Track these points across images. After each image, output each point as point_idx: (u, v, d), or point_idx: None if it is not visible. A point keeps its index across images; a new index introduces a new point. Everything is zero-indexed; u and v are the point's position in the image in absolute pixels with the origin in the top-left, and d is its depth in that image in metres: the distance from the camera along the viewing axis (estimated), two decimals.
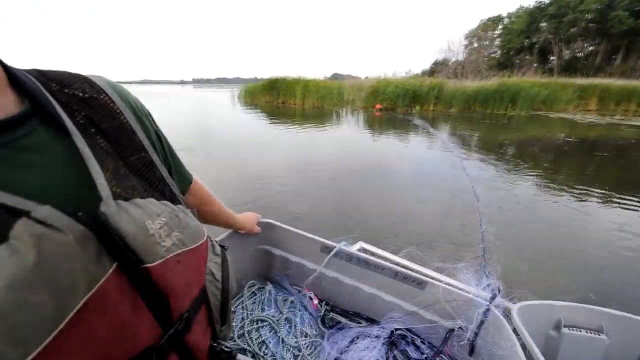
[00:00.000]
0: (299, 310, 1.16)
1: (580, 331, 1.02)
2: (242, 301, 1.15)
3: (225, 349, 0.54)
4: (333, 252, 1.15)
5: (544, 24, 34.47)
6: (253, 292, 1.21)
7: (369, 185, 4.35)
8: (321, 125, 9.90)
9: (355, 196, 3.92)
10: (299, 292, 1.25)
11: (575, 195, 4.02)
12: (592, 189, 4.22)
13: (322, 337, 1.09)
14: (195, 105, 19.22)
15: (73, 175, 0.36)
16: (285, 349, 0.99)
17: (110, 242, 0.33)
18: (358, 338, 1.07)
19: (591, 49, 33.56)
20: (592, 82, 16.19)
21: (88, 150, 0.36)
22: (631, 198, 3.91)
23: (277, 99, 17.79)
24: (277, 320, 1.07)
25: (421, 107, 14.85)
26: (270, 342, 1.00)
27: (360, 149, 6.85)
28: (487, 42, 38.37)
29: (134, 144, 0.44)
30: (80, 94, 0.41)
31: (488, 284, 1.01)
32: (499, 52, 38.86)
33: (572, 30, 32.27)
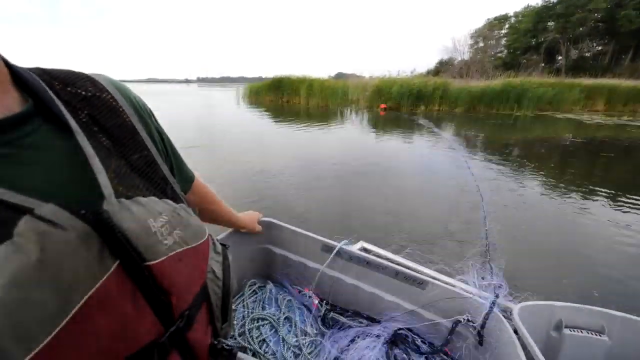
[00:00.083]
0: (299, 309, 1.16)
1: (582, 332, 1.01)
2: (243, 299, 1.16)
3: (226, 347, 0.55)
4: (334, 252, 1.15)
5: (551, 23, 34.06)
6: (254, 291, 1.22)
7: (373, 183, 4.34)
8: (325, 124, 9.90)
9: (360, 194, 3.92)
10: (300, 291, 1.26)
11: (581, 195, 3.99)
12: (598, 189, 4.19)
13: (323, 336, 1.09)
14: (201, 104, 19.27)
15: (76, 173, 0.36)
16: (286, 347, 0.99)
17: (113, 240, 0.33)
18: (358, 337, 1.07)
19: (599, 48, 33.11)
20: (599, 82, 15.99)
21: (91, 148, 0.36)
22: (638, 197, 3.88)
23: (282, 98, 17.82)
24: (278, 319, 1.07)
25: (426, 106, 14.78)
26: (270, 341, 1.00)
27: (364, 148, 6.85)
28: (493, 41, 38.04)
29: (136, 143, 0.44)
30: (83, 92, 0.41)
31: (489, 283, 1.01)
32: (505, 51, 38.49)
33: (580, 29, 31.86)
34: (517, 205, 3.64)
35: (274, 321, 1.07)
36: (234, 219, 1.02)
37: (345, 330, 1.10)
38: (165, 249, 0.38)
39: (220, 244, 0.61)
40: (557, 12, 32.67)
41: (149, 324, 0.38)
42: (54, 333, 0.26)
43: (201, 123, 10.40)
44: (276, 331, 1.04)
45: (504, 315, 0.91)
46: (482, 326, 0.91)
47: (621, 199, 3.85)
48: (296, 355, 0.99)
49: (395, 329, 1.08)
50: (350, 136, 8.21)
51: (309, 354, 1.00)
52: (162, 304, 0.39)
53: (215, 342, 0.54)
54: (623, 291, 2.17)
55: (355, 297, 1.18)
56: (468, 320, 0.95)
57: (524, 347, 0.81)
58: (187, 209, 0.47)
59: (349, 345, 1.04)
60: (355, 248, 1.19)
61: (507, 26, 38.69)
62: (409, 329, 1.09)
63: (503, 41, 38.74)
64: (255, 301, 1.16)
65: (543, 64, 33.23)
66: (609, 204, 3.72)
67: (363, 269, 1.14)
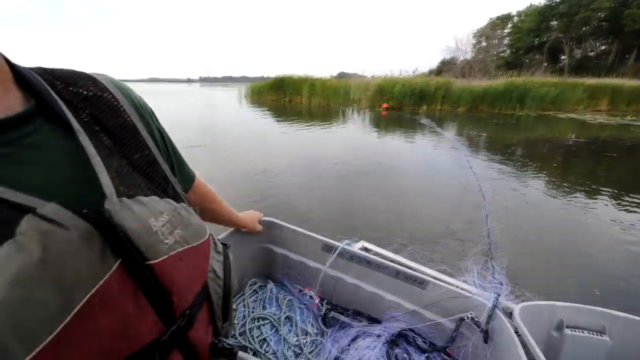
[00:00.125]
0: (300, 309, 1.16)
1: (583, 332, 1.00)
2: (244, 299, 1.16)
3: (227, 346, 0.55)
4: (336, 252, 1.15)
5: (554, 23, 33.85)
6: (254, 290, 1.22)
7: (375, 183, 4.34)
8: (327, 124, 9.90)
9: (362, 194, 3.93)
10: (300, 290, 1.26)
11: (584, 195, 3.98)
12: (601, 189, 4.18)
13: (323, 336, 1.09)
14: (203, 104, 19.30)
15: (77, 173, 0.36)
16: (286, 346, 1.00)
17: (114, 239, 0.33)
18: (359, 337, 1.07)
19: (603, 48, 32.90)
20: (602, 81, 15.89)
21: (92, 148, 0.37)
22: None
23: (284, 98, 17.83)
24: (278, 318, 1.08)
25: (428, 106, 14.75)
26: (271, 340, 1.01)
27: (366, 148, 6.85)
28: (496, 41, 37.87)
29: (137, 142, 0.44)
30: (85, 92, 0.41)
31: (490, 283, 1.01)
32: (508, 51, 38.32)
33: (584, 28, 31.66)
34: (519, 205, 3.63)
35: (275, 321, 1.07)
36: (235, 218, 1.02)
37: (346, 330, 1.10)
38: (166, 248, 0.38)
39: (221, 243, 0.61)
40: (560, 12, 32.47)
41: (151, 323, 0.39)
42: (56, 332, 0.27)
43: (204, 122, 10.42)
44: (277, 330, 1.05)
45: (505, 316, 0.91)
46: (488, 322, 0.91)
47: (624, 199, 3.83)
48: (297, 355, 0.99)
49: (396, 328, 1.08)
50: (353, 136, 8.20)
51: (310, 353, 1.00)
52: (164, 303, 0.40)
53: (216, 341, 0.54)
54: (626, 290, 2.17)
55: (356, 296, 1.19)
56: (472, 318, 0.94)
57: (525, 347, 0.81)
58: (188, 208, 0.47)
59: (349, 345, 1.04)
60: (356, 248, 1.19)
61: (510, 25, 38.52)
62: (410, 329, 1.09)
63: (506, 41, 38.58)
64: (256, 301, 1.17)
65: (546, 64, 33.05)
66: (612, 204, 3.71)
67: (364, 269, 1.14)
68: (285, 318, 1.09)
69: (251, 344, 0.97)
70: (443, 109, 14.75)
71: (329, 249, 1.17)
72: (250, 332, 1.01)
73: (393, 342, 1.05)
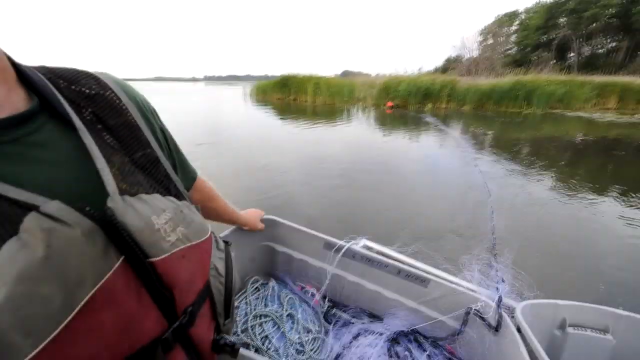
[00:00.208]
0: (302, 306, 1.17)
1: (586, 330, 1.00)
2: (246, 296, 1.17)
3: (229, 342, 0.55)
4: (341, 252, 1.15)
5: (562, 19, 33.27)
6: (256, 288, 1.22)
7: (380, 181, 4.32)
8: (332, 123, 9.88)
9: (366, 192, 3.91)
10: (302, 288, 1.26)
11: (591, 193, 3.92)
12: (609, 187, 4.12)
13: (325, 333, 1.10)
14: (209, 102, 19.37)
15: (80, 171, 0.36)
16: (288, 343, 1.00)
17: (117, 237, 0.34)
18: (360, 334, 1.08)
19: (612, 45, 32.28)
20: (611, 79, 15.61)
21: (95, 146, 0.37)
22: None
23: (289, 96, 17.83)
24: (280, 316, 1.08)
25: (433, 104, 14.64)
26: (273, 337, 1.01)
27: (371, 146, 6.81)
28: (502, 38, 37.34)
29: (140, 141, 0.44)
30: (87, 91, 0.41)
31: (492, 281, 1.00)
32: (515, 48, 37.79)
33: (593, 25, 31.09)
34: (525, 202, 3.60)
35: (277, 318, 1.07)
36: (236, 216, 1.02)
37: (347, 327, 1.11)
38: (169, 245, 0.39)
39: (223, 241, 0.61)
40: (569, 8, 31.92)
41: (153, 320, 0.39)
42: (60, 328, 0.27)
43: (210, 121, 10.46)
44: (279, 328, 1.05)
45: (507, 314, 0.90)
46: (490, 320, 0.90)
47: (632, 197, 3.77)
48: (299, 352, 1.00)
49: (398, 326, 1.08)
50: (357, 134, 8.17)
51: (312, 350, 1.01)
52: (166, 300, 0.40)
53: (218, 338, 0.55)
54: (631, 287, 2.14)
55: (357, 294, 1.19)
56: (474, 315, 0.94)
57: (527, 345, 0.81)
58: (190, 206, 0.48)
59: (351, 342, 1.04)
60: (357, 246, 1.19)
61: (517, 23, 37.95)
62: (411, 327, 1.09)
63: (513, 38, 38.03)
64: (258, 298, 1.17)
65: (554, 61, 32.52)
66: (620, 202, 3.65)
67: (365, 267, 1.14)
68: (287, 315, 1.10)
69: (253, 341, 0.98)
70: (448, 107, 14.62)
71: (330, 247, 1.17)
72: (252, 330, 1.01)
73: (394, 339, 1.06)
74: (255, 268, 1.29)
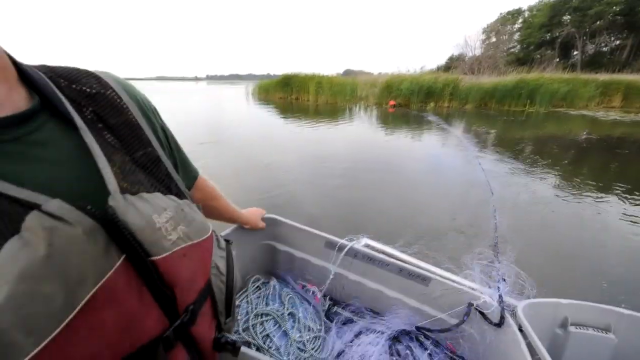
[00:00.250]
0: (303, 305, 1.17)
1: (587, 329, 0.99)
2: (247, 295, 1.17)
3: (230, 341, 0.56)
4: (338, 249, 1.15)
5: (566, 17, 32.99)
6: (257, 287, 1.23)
7: (382, 180, 4.32)
8: (334, 122, 9.86)
9: (368, 191, 3.91)
10: (303, 286, 1.27)
11: (595, 191, 3.90)
12: (612, 185, 4.09)
13: (326, 332, 1.10)
14: (211, 102, 19.40)
15: (81, 170, 0.36)
16: (289, 342, 1.00)
17: (118, 235, 0.34)
18: (362, 333, 1.08)
19: (617, 42, 31.97)
20: (616, 77, 15.48)
21: (96, 145, 0.37)
22: None
23: (291, 95, 17.83)
24: (281, 315, 1.08)
25: (435, 103, 14.59)
26: (274, 336, 1.01)
27: (373, 145, 6.81)
28: (506, 37, 37.10)
29: (140, 139, 0.44)
30: (88, 90, 0.41)
31: (494, 280, 1.00)
32: (518, 46, 37.53)
33: (597, 23, 30.79)
34: (528, 201, 3.59)
35: (278, 317, 1.08)
36: (237, 215, 1.02)
37: (348, 326, 1.11)
38: (170, 244, 0.39)
39: (224, 239, 0.62)
40: (573, 6, 31.61)
41: (154, 318, 0.39)
42: (61, 326, 0.27)
43: (212, 120, 10.47)
44: (280, 326, 1.05)
45: (508, 312, 0.90)
46: (491, 319, 0.90)
47: (637, 196, 3.74)
48: (300, 350, 1.00)
49: (399, 325, 1.08)
50: (360, 133, 8.16)
51: (313, 349, 1.01)
52: (167, 298, 0.40)
53: (219, 336, 0.55)
54: (635, 287, 2.12)
55: (358, 293, 1.19)
56: (478, 307, 0.94)
57: (529, 344, 0.80)
58: (191, 205, 0.48)
59: (352, 341, 1.04)
60: (359, 245, 1.19)
61: (520, 20, 37.70)
62: (413, 325, 1.09)
63: (516, 36, 37.76)
64: (259, 297, 1.17)
65: (558, 60, 32.26)
66: (623, 200, 3.63)
67: (367, 265, 1.15)
68: (289, 314, 1.10)
69: (254, 340, 0.98)
70: (451, 106, 14.57)
71: (331, 245, 1.17)
72: (253, 329, 1.02)
73: (396, 338, 1.06)
74: (256, 267, 1.29)
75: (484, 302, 0.94)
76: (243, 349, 0.62)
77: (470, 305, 0.96)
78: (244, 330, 1.01)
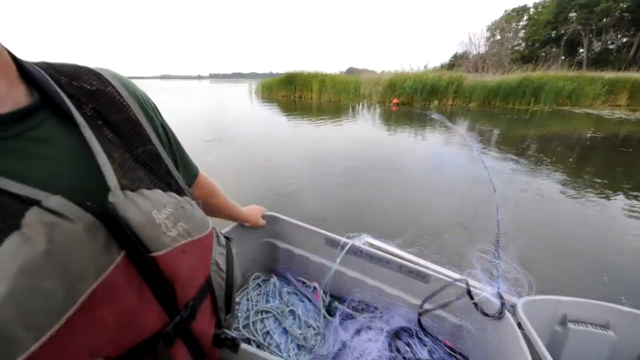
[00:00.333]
0: (303, 302, 1.18)
1: (587, 326, 0.99)
2: (247, 293, 1.17)
3: (229, 337, 0.56)
4: (345, 249, 1.15)
5: (572, 14, 32.55)
6: (257, 284, 1.23)
7: (385, 178, 4.31)
8: (337, 120, 9.84)
9: (371, 189, 3.90)
10: (303, 284, 1.27)
11: (599, 188, 3.87)
12: (617, 183, 4.06)
13: (326, 328, 1.10)
14: (214, 100, 19.43)
15: (81, 166, 0.37)
16: (289, 339, 1.01)
17: (118, 231, 0.34)
18: (362, 330, 1.08)
19: (624, 40, 31.52)
20: (622, 75, 15.28)
21: (96, 141, 0.37)
22: None
23: (294, 93, 17.79)
24: (281, 312, 1.09)
25: (439, 101, 14.51)
26: (274, 333, 1.02)
27: (376, 143, 6.78)
28: (511, 34, 36.72)
29: (140, 136, 0.44)
30: (88, 87, 0.42)
31: (493, 278, 1.00)
32: (523, 44, 37.15)
33: (604, 20, 30.37)
34: (531, 199, 3.57)
35: (278, 314, 1.08)
36: (238, 212, 1.02)
37: (348, 323, 1.11)
38: (170, 240, 0.39)
39: (224, 237, 0.62)
40: (579, 2, 31.18)
41: (154, 314, 0.39)
42: (62, 321, 0.27)
43: (216, 119, 10.49)
44: (280, 323, 1.06)
45: (508, 310, 0.90)
46: (491, 316, 0.90)
47: None
48: (300, 347, 1.01)
49: (399, 321, 1.08)
50: (363, 131, 8.13)
51: (313, 345, 1.02)
52: (167, 294, 0.40)
53: (219, 333, 0.55)
54: (636, 286, 2.11)
55: (359, 290, 1.19)
56: (477, 304, 0.94)
57: (528, 341, 0.80)
58: (191, 202, 0.48)
59: (352, 338, 1.05)
60: (359, 242, 1.19)
61: (525, 18, 37.28)
62: (412, 322, 1.09)
63: (521, 34, 37.35)
64: (259, 294, 1.18)
65: (563, 57, 31.90)
66: (628, 197, 3.60)
67: (367, 263, 1.15)
68: (289, 311, 1.11)
69: (255, 337, 0.99)
70: (455, 104, 14.48)
71: (331, 243, 1.18)
72: (253, 325, 1.02)
73: (395, 334, 1.06)
74: (256, 264, 1.30)
75: (483, 298, 0.93)
76: (243, 345, 0.63)
77: (469, 301, 0.96)
78: (244, 327, 1.02)
